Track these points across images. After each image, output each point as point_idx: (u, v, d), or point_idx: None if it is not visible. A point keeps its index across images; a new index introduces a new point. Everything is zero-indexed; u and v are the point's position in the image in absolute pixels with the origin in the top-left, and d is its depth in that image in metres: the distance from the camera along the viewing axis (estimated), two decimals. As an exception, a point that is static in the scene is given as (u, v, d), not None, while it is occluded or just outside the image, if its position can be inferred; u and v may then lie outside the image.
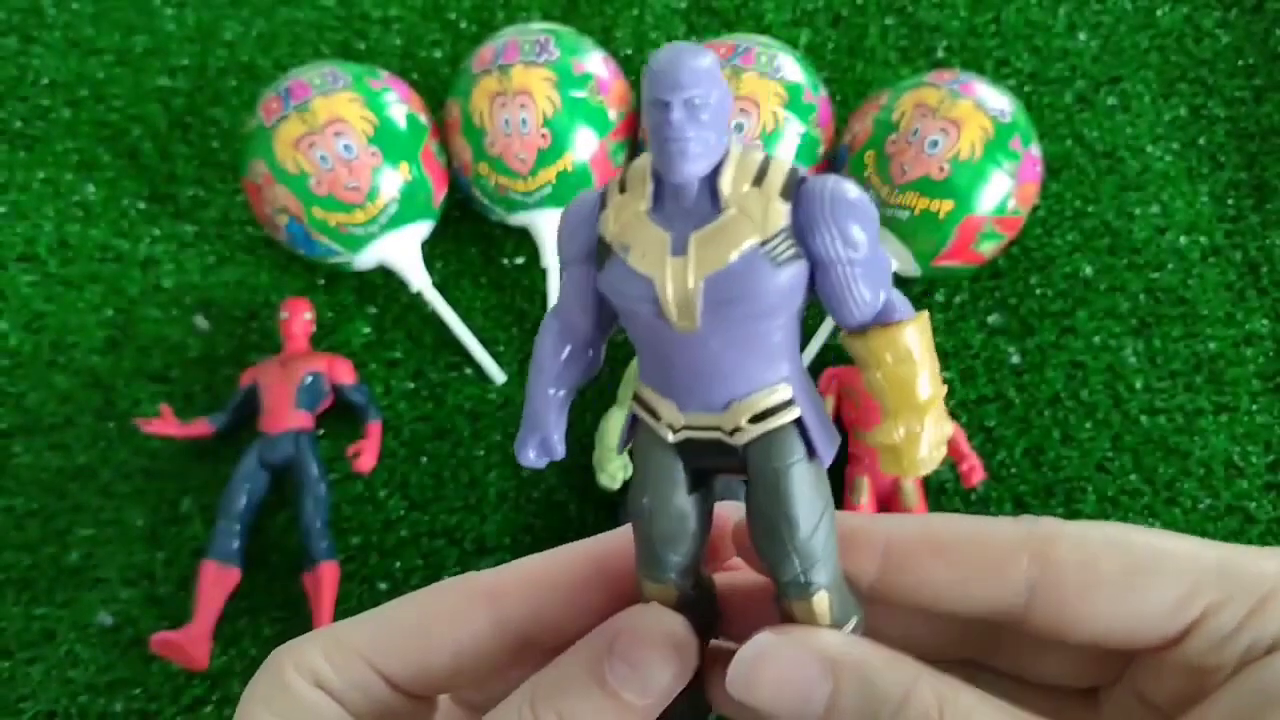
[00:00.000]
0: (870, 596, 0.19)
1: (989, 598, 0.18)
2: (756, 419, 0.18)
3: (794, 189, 0.17)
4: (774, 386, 0.18)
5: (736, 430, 0.18)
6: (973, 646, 0.21)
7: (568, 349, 0.20)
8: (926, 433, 0.18)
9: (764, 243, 0.17)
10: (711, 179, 0.17)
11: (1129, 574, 0.17)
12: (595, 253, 0.18)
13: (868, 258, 0.17)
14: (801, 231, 0.17)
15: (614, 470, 0.39)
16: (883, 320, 0.18)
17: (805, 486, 0.18)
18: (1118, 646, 0.18)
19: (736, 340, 0.18)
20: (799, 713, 0.17)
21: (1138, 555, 0.18)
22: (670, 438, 0.19)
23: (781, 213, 0.17)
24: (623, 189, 0.18)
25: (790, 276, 0.17)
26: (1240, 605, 0.17)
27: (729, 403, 0.18)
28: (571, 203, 0.19)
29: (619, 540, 0.20)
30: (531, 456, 0.20)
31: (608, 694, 0.18)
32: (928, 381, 0.18)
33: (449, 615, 0.20)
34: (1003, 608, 0.18)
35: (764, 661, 0.17)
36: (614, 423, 0.41)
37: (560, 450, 0.20)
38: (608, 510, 0.43)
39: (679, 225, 0.17)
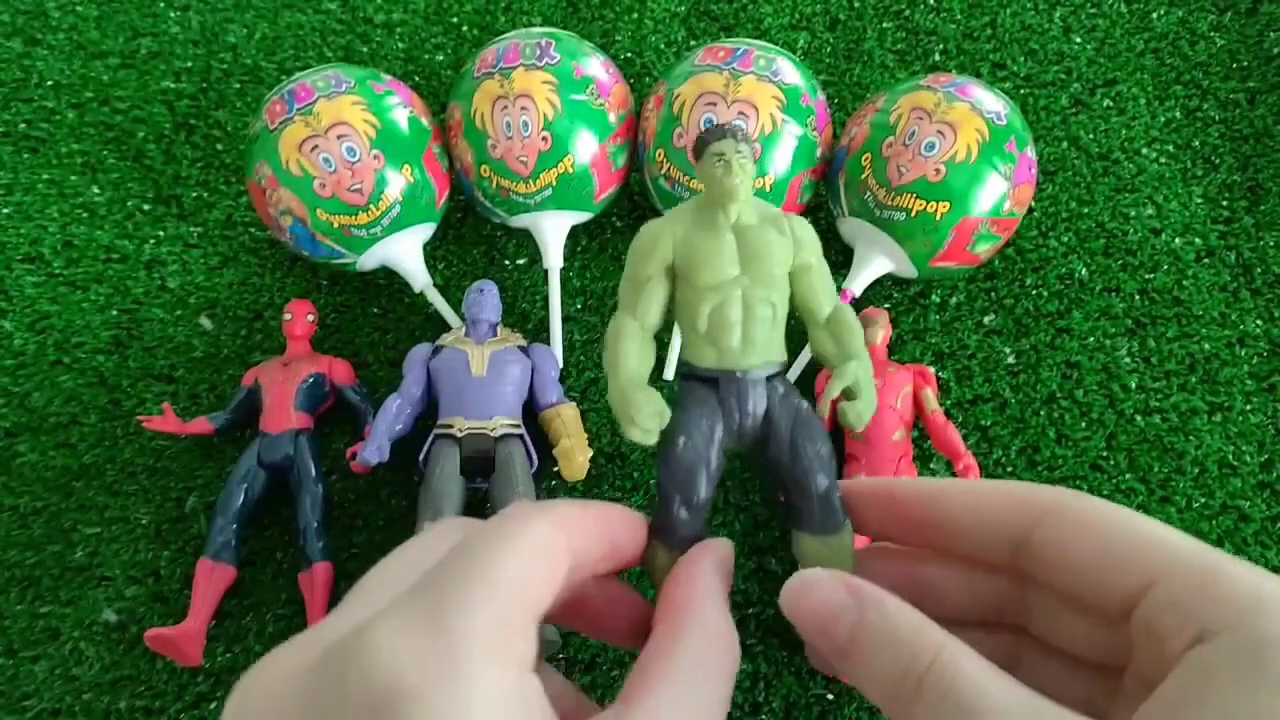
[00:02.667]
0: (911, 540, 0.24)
1: (996, 536, 0.22)
2: (505, 426, 0.43)
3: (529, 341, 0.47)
4: (515, 412, 0.44)
5: (494, 430, 0.43)
6: (1009, 612, 0.24)
7: (405, 409, 0.44)
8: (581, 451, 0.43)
9: (511, 348, 0.45)
10: (494, 327, 0.46)
11: (1103, 538, 0.20)
12: (429, 357, 0.45)
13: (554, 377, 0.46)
14: (528, 352, 0.46)
15: (646, 420, 0.26)
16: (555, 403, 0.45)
17: (521, 463, 0.43)
18: (1093, 602, 0.20)
19: (500, 384, 0.44)
20: (829, 631, 0.20)
21: (1111, 525, 0.20)
22: (459, 435, 0.43)
23: (520, 341, 0.46)
24: (451, 332, 0.46)
25: (523, 363, 0.45)
26: (1180, 580, 0.18)
27: (493, 415, 0.43)
28: (416, 347, 0.46)
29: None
30: (374, 460, 0.42)
31: None
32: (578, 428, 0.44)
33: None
34: (1007, 543, 0.22)
35: (807, 588, 0.21)
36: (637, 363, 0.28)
37: (387, 454, 0.43)
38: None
39: (480, 338, 0.45)
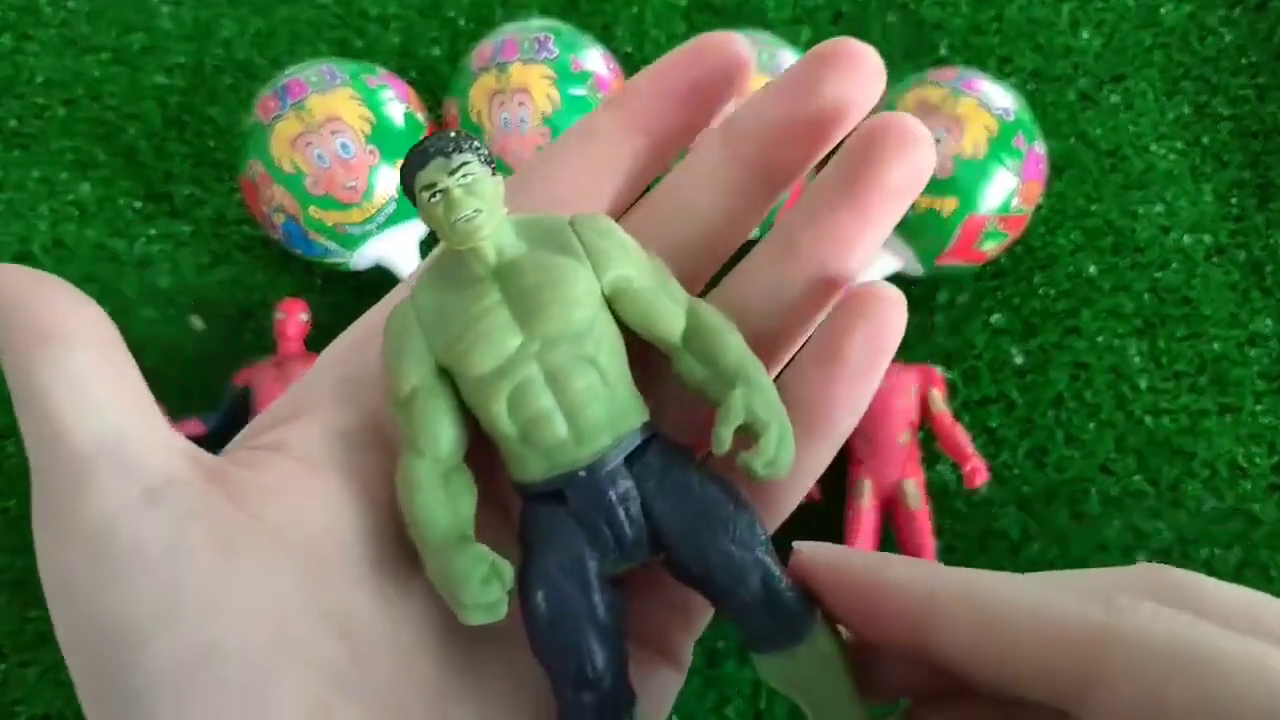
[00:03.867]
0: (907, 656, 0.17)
1: (1038, 693, 0.15)
2: None
3: None
4: None
5: None
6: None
7: None
8: None
9: None
10: None
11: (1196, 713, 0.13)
12: None
13: None
14: None
15: (476, 593, 0.18)
16: None
17: None
18: None
19: None
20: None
21: (1213, 688, 0.13)
22: None
23: None
24: None
25: None
26: None
27: None
28: None
29: None
30: None
31: None
32: None
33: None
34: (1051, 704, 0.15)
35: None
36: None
37: None
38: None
39: None
